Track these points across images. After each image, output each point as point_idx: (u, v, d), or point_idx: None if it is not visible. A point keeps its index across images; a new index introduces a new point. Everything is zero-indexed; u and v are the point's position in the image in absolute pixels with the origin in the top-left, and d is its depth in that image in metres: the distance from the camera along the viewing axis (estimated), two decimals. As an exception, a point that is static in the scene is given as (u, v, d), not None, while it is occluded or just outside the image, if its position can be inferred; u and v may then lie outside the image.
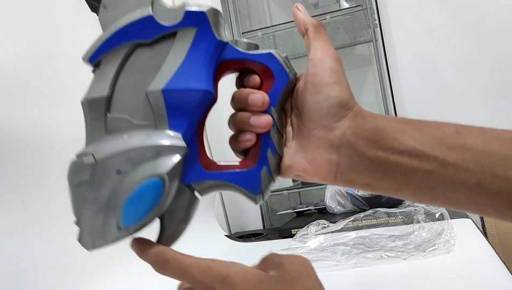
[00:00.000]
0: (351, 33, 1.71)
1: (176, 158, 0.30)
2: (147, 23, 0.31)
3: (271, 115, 0.33)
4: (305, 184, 1.51)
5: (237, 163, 0.34)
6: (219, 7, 1.41)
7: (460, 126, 0.31)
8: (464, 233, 0.76)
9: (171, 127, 0.31)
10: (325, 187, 1.21)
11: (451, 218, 0.79)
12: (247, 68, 0.34)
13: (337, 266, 0.70)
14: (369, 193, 1.10)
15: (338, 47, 1.73)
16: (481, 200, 0.30)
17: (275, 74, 0.34)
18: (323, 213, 1.21)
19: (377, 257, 0.70)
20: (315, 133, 0.33)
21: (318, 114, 0.32)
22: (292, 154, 0.34)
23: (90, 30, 0.80)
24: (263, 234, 1.08)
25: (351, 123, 0.32)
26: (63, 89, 0.69)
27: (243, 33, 1.60)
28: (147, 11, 0.31)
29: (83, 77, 0.77)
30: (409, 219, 0.86)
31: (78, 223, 0.32)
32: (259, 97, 0.33)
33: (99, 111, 0.31)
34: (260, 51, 0.34)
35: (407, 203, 1.08)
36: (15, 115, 0.59)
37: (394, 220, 0.90)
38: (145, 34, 0.31)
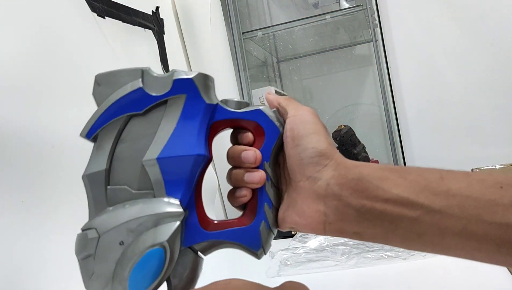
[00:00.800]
0: (351, 33, 1.71)
1: (175, 224, 0.31)
2: (138, 95, 0.32)
3: (265, 170, 0.35)
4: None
5: (236, 220, 0.35)
6: (219, 7, 1.41)
7: (445, 172, 0.31)
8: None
9: (169, 193, 0.32)
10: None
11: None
12: (239, 125, 0.35)
13: (337, 266, 0.70)
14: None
15: (338, 47, 1.73)
16: (469, 245, 0.30)
17: (265, 130, 0.35)
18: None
19: (377, 257, 0.70)
20: (301, 185, 0.33)
21: (300, 166, 0.33)
22: (284, 207, 0.35)
23: (90, 29, 0.80)
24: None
25: (334, 172, 0.32)
26: (63, 89, 0.69)
27: (243, 33, 1.60)
28: (137, 84, 0.32)
29: (83, 77, 0.78)
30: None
31: None
32: (251, 154, 0.34)
33: (100, 184, 0.33)
34: (250, 108, 0.35)
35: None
36: (15, 115, 0.59)
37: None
38: (137, 106, 0.32)
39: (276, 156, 0.36)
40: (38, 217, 0.60)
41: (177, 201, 0.32)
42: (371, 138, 1.63)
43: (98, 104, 0.33)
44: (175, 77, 0.32)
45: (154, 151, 0.32)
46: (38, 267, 0.59)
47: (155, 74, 0.33)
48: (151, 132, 0.32)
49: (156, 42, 1.05)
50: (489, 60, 1.48)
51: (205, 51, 1.22)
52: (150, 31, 1.04)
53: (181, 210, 0.32)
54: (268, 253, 0.74)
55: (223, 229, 0.34)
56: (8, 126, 0.57)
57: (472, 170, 1.22)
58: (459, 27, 1.51)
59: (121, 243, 0.31)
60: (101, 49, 0.80)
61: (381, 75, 1.50)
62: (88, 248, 0.32)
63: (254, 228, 0.34)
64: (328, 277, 0.67)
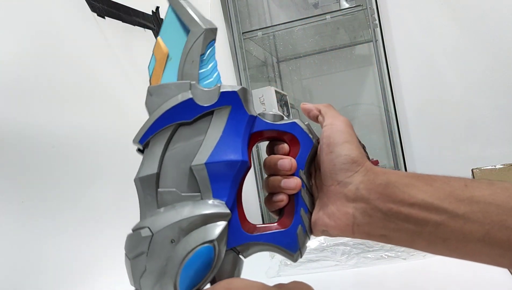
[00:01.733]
0: (351, 33, 1.71)
1: (223, 224, 0.34)
2: (188, 105, 0.35)
3: (300, 177, 0.37)
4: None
5: (275, 224, 0.37)
6: (219, 7, 1.41)
7: (469, 180, 0.33)
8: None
9: (215, 196, 0.34)
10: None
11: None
12: (276, 137, 0.38)
13: (337, 266, 0.70)
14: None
15: (338, 47, 1.73)
16: (492, 251, 0.31)
17: (300, 141, 0.38)
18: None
19: (377, 257, 0.70)
20: (332, 189, 0.36)
21: (332, 171, 0.35)
22: (315, 211, 0.37)
23: (90, 29, 0.80)
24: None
25: (364, 178, 0.34)
26: (63, 89, 0.69)
27: (243, 33, 1.60)
28: (187, 95, 0.35)
29: (83, 77, 0.78)
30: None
31: None
32: (287, 162, 0.37)
33: (151, 187, 0.35)
34: (285, 121, 0.38)
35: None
36: (15, 115, 0.59)
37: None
38: (186, 115, 0.35)
39: (309, 165, 0.38)
40: (38, 217, 0.60)
41: (223, 203, 0.34)
42: (371, 138, 1.63)
43: (150, 113, 0.36)
44: (221, 90, 0.36)
45: (202, 156, 0.35)
46: (38, 267, 0.59)
47: (202, 87, 0.36)
48: (198, 139, 0.35)
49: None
50: (489, 60, 1.48)
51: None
52: (150, 31, 1.04)
53: (227, 211, 0.34)
54: (268, 253, 0.74)
55: (263, 232, 0.36)
56: (8, 126, 0.57)
57: (472, 170, 1.22)
58: (459, 27, 1.51)
59: (172, 241, 0.33)
60: (101, 49, 0.80)
61: (381, 75, 1.50)
62: (141, 246, 0.33)
63: (292, 232, 0.36)
64: (328, 277, 0.67)
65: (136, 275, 0.34)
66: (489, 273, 0.59)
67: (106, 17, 0.85)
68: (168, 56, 0.37)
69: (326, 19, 1.47)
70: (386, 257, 0.70)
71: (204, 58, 0.37)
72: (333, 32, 1.71)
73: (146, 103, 0.36)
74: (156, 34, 1.06)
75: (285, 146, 0.38)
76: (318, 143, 0.38)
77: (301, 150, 0.38)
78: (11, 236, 0.56)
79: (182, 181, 0.35)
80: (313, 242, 0.78)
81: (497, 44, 1.47)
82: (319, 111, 0.40)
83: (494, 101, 1.49)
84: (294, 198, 0.37)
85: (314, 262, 0.72)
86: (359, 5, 1.44)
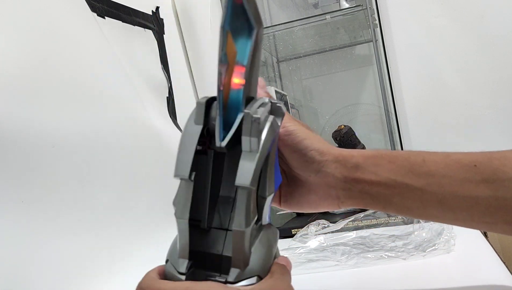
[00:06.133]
0: (351, 33, 1.71)
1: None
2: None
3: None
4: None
5: None
6: (219, 7, 1.41)
7: (427, 155, 0.38)
8: (464, 233, 0.76)
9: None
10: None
11: (451, 218, 0.79)
12: None
13: (337, 266, 0.70)
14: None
15: (338, 47, 1.73)
16: (447, 216, 0.37)
17: None
18: (323, 213, 1.21)
19: (377, 257, 0.70)
20: (312, 179, 0.41)
21: (304, 164, 0.40)
22: (296, 203, 0.43)
23: (90, 29, 0.80)
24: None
25: (337, 164, 0.40)
26: (63, 89, 0.69)
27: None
28: (278, 122, 0.36)
29: (83, 77, 0.78)
30: (409, 219, 0.86)
31: None
32: None
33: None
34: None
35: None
36: (15, 115, 0.59)
37: (394, 220, 0.90)
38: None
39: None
40: (38, 217, 0.60)
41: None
42: (371, 138, 1.63)
43: (258, 153, 0.34)
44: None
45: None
46: (38, 267, 0.59)
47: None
48: None
49: (156, 42, 1.05)
50: (489, 60, 1.48)
51: (205, 51, 1.22)
52: (150, 31, 1.04)
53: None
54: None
55: None
56: (8, 125, 0.57)
57: (472, 170, 1.22)
58: (459, 27, 1.51)
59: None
60: (101, 49, 0.80)
61: (381, 75, 1.50)
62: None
63: None
64: (328, 277, 0.67)
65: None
66: (489, 273, 0.59)
67: (106, 17, 0.85)
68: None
69: (326, 19, 1.47)
70: (386, 257, 0.70)
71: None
72: (333, 32, 1.70)
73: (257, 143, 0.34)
74: (156, 34, 1.06)
75: None
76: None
77: None
78: (10, 236, 0.56)
79: None
80: (313, 242, 0.78)
81: (497, 44, 1.47)
82: None
83: (494, 101, 1.49)
84: None
85: (314, 262, 0.72)
86: (359, 5, 1.44)
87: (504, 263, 0.63)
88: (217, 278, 0.33)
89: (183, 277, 0.33)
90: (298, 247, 0.76)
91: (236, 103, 0.33)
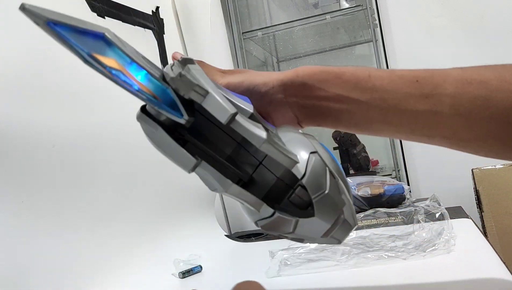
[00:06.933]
0: (351, 33, 1.71)
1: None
2: None
3: None
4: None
5: None
6: (219, 7, 1.41)
7: (373, 71, 0.38)
8: (464, 233, 0.76)
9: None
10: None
11: (451, 218, 0.79)
12: None
13: (337, 266, 0.70)
14: (369, 193, 1.10)
15: (338, 47, 1.73)
16: (390, 129, 0.38)
17: None
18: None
19: (377, 257, 0.70)
20: (271, 109, 0.42)
21: (258, 102, 0.41)
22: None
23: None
24: (263, 234, 1.08)
25: (284, 87, 0.40)
26: (63, 88, 0.69)
27: (243, 33, 1.60)
28: None
29: (83, 77, 0.77)
30: (409, 219, 0.86)
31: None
32: None
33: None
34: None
35: (407, 203, 1.08)
36: (15, 115, 0.59)
37: (394, 220, 0.90)
38: None
39: None
40: (38, 217, 0.60)
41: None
42: (371, 138, 1.63)
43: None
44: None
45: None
46: (38, 267, 0.59)
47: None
48: None
49: (156, 42, 1.05)
50: (489, 60, 1.47)
51: (205, 51, 1.22)
52: (150, 31, 1.04)
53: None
54: (268, 253, 0.74)
55: None
56: (8, 126, 0.57)
57: (472, 170, 1.22)
58: (459, 27, 1.51)
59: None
60: (101, 49, 0.80)
61: (381, 75, 1.50)
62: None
63: None
64: (328, 277, 0.67)
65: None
66: (489, 273, 0.59)
67: (106, 17, 0.85)
68: None
69: (326, 19, 1.47)
70: (386, 257, 0.70)
71: None
72: (333, 32, 1.71)
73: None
74: (156, 34, 1.06)
75: None
76: None
77: None
78: (10, 235, 0.56)
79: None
80: (313, 242, 0.78)
81: (497, 44, 1.47)
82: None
83: (494, 101, 1.48)
84: None
85: (314, 262, 0.72)
86: (359, 5, 1.44)
87: (504, 263, 0.63)
88: (296, 193, 0.35)
89: (276, 213, 0.35)
90: (298, 247, 0.76)
91: (157, 87, 0.34)
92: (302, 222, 0.35)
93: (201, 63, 0.42)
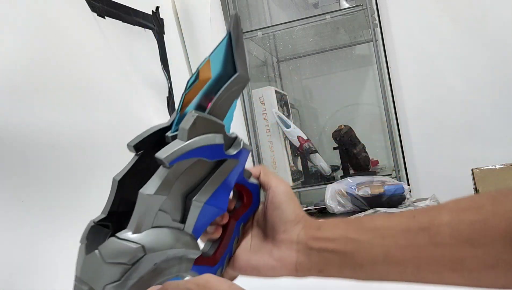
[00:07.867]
0: (351, 33, 1.71)
1: (192, 261, 0.38)
2: (218, 149, 0.38)
3: (239, 230, 0.44)
4: (305, 184, 1.51)
5: (205, 258, 0.41)
6: (219, 7, 1.41)
7: (378, 216, 0.40)
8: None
9: (193, 232, 0.37)
10: (325, 187, 1.21)
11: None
12: (238, 189, 0.44)
13: (337, 266, 0.70)
14: (369, 193, 1.10)
15: (338, 47, 1.73)
16: (395, 270, 0.37)
17: (254, 201, 0.44)
18: (323, 213, 1.21)
19: (377, 257, 0.70)
20: (278, 237, 0.42)
21: (279, 223, 0.42)
22: (262, 256, 0.43)
23: (90, 29, 0.80)
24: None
25: (304, 224, 0.42)
26: (63, 88, 0.69)
27: (243, 32, 1.60)
28: (221, 140, 0.37)
29: (83, 77, 0.78)
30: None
31: None
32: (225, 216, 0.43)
33: (155, 208, 0.35)
34: (253, 181, 0.44)
35: (407, 203, 1.08)
36: (15, 115, 0.59)
37: (394, 220, 0.90)
38: (211, 155, 0.37)
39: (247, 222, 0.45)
40: (37, 217, 0.60)
41: (196, 243, 0.38)
42: (371, 138, 1.63)
43: (187, 138, 0.36)
44: (242, 147, 0.39)
45: (204, 195, 0.37)
46: (38, 267, 0.59)
47: (229, 135, 0.39)
48: (203, 176, 0.38)
49: (156, 42, 1.05)
50: (489, 60, 1.48)
51: (205, 51, 1.22)
52: (150, 31, 1.04)
53: (199, 251, 0.38)
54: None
55: (198, 264, 0.40)
56: (8, 126, 0.57)
57: (472, 170, 1.22)
58: (459, 27, 1.51)
59: (155, 264, 0.35)
60: (101, 49, 0.80)
61: (381, 75, 1.50)
62: (125, 258, 0.33)
63: (214, 271, 0.42)
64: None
65: (104, 280, 0.33)
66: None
67: (106, 17, 0.85)
68: (208, 82, 0.38)
69: (326, 19, 1.47)
70: (386, 257, 0.70)
71: (234, 104, 0.39)
72: (333, 32, 1.71)
73: (189, 129, 0.36)
74: (156, 34, 1.06)
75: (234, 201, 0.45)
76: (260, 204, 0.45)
77: (250, 208, 0.44)
78: (10, 235, 0.56)
79: (176, 210, 0.37)
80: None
81: (497, 44, 1.47)
82: (259, 174, 0.46)
83: (494, 101, 1.49)
84: (227, 243, 0.42)
85: (314, 262, 0.72)
86: (359, 5, 1.44)
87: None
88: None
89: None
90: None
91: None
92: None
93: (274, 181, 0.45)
